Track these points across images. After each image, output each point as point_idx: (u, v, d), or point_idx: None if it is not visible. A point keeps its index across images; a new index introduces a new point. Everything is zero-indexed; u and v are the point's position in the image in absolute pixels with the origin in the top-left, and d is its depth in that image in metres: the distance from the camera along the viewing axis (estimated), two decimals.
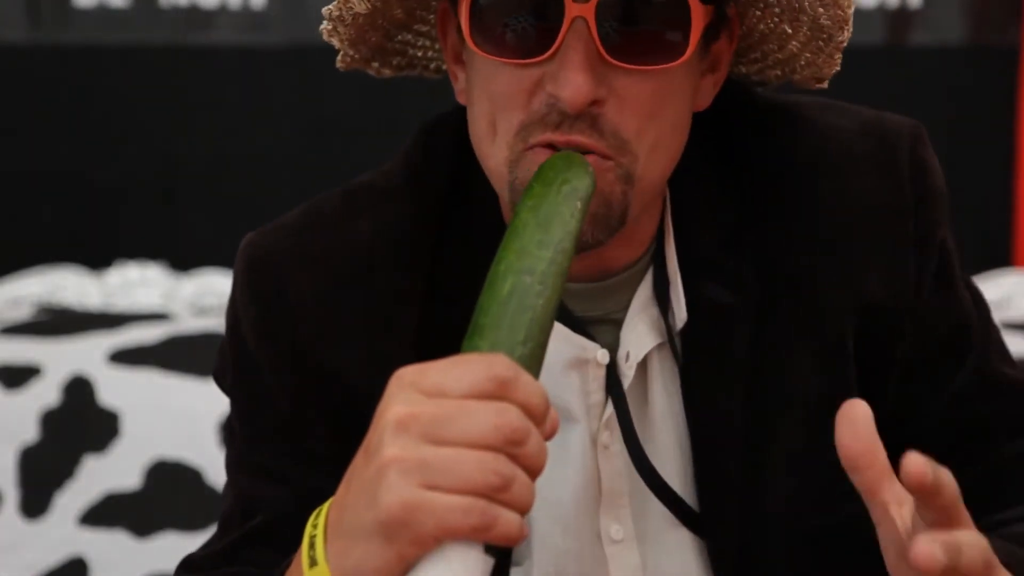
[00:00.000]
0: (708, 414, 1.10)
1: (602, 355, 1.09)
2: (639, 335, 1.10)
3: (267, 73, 2.33)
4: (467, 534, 0.79)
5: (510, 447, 0.79)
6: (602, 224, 1.02)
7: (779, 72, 1.14)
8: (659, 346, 1.11)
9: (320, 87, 2.32)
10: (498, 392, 0.80)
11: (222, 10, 2.33)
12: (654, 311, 1.10)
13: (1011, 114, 2.31)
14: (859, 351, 1.12)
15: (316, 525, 0.86)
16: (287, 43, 2.33)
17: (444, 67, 1.17)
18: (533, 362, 0.85)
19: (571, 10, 0.97)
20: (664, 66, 1.00)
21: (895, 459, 1.14)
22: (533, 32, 0.99)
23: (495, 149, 1.03)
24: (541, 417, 0.81)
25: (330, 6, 1.07)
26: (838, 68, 1.12)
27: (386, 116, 2.27)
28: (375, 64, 1.17)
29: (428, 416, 0.80)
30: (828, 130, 1.13)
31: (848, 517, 1.09)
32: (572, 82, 0.97)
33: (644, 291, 1.11)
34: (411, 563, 0.81)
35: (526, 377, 0.81)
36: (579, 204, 0.94)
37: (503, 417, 0.79)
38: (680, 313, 1.10)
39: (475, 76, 1.05)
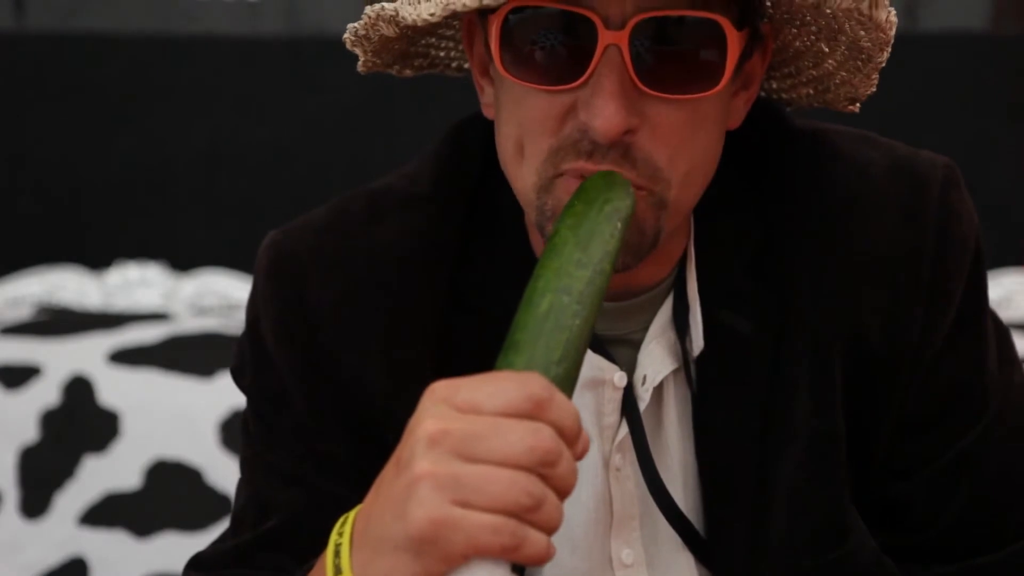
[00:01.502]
0: (719, 444, 1.09)
1: (619, 378, 1.09)
2: (657, 359, 1.09)
3: (263, 67, 2.32)
4: (496, 553, 0.79)
5: (542, 468, 0.79)
6: (634, 250, 1.01)
7: (811, 90, 1.12)
8: (674, 371, 1.10)
9: (318, 81, 2.31)
10: (532, 412, 0.80)
11: (215, 0, 2.33)
12: (672, 335, 1.10)
13: None
14: (849, 396, 1.10)
15: (342, 533, 0.86)
16: (287, 34, 2.33)
17: (467, 66, 1.16)
18: (567, 382, 0.85)
19: (604, 37, 0.95)
20: (698, 95, 0.98)
21: (885, 518, 1.13)
22: (565, 58, 0.97)
23: (522, 172, 1.02)
24: (573, 438, 0.81)
25: (356, 24, 1.05)
26: (874, 89, 1.09)
27: (388, 108, 2.27)
28: (396, 67, 1.15)
29: (461, 432, 0.79)
30: (859, 164, 1.09)
31: (845, 555, 1.10)
32: (604, 111, 0.96)
33: (664, 314, 1.10)
34: None
35: (560, 397, 0.81)
36: (619, 225, 0.94)
37: (537, 438, 0.79)
38: (697, 340, 1.09)
39: (504, 96, 1.03)
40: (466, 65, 1.16)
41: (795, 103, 1.15)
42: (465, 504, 0.79)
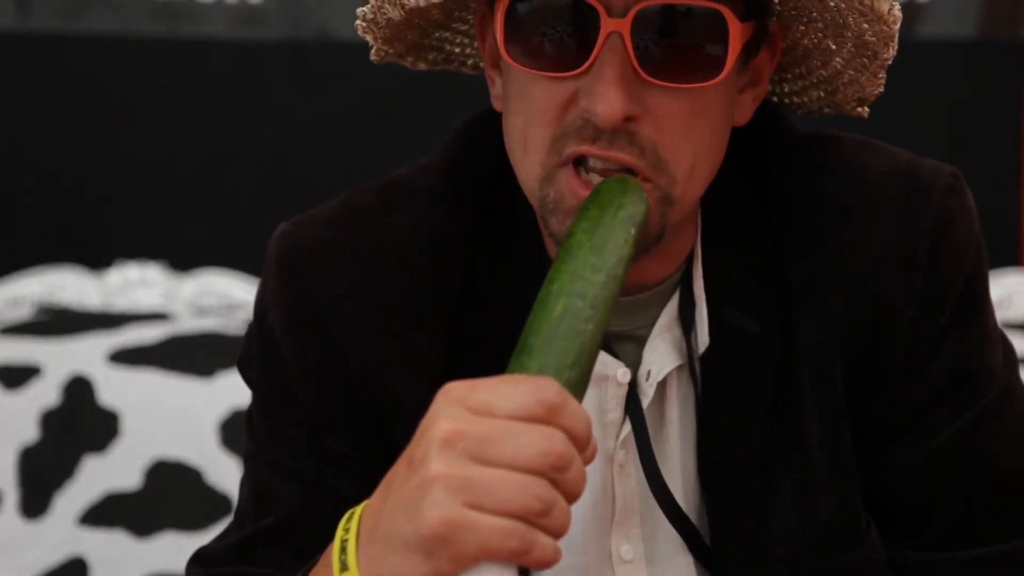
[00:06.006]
0: (722, 444, 1.09)
1: (623, 374, 1.09)
2: (661, 354, 1.09)
3: (265, 70, 2.32)
4: (506, 556, 0.80)
5: (553, 472, 0.80)
6: (639, 245, 1.00)
7: (821, 92, 1.13)
8: (679, 368, 1.10)
9: (320, 84, 2.31)
10: (546, 416, 0.80)
11: (218, 3, 2.32)
12: (677, 331, 1.10)
13: (1018, 110, 2.30)
14: (848, 400, 1.08)
15: (348, 529, 0.87)
16: (285, 38, 2.33)
17: (482, 64, 1.16)
18: (579, 387, 0.86)
19: (607, 25, 0.96)
20: (700, 84, 0.99)
21: (880, 518, 1.11)
22: (568, 46, 0.99)
23: (526, 163, 1.03)
24: (584, 444, 0.82)
25: (364, 8, 1.06)
26: (882, 89, 1.09)
27: (389, 111, 2.27)
28: (410, 59, 1.16)
29: (475, 435, 0.80)
30: (859, 169, 1.09)
31: (853, 564, 1.09)
32: (605, 97, 0.97)
33: (670, 310, 1.10)
34: None
35: (573, 403, 0.82)
36: (633, 231, 0.95)
37: (550, 443, 0.80)
38: (703, 337, 1.09)
39: (511, 87, 1.04)
40: (482, 64, 1.16)
41: (806, 107, 1.16)
42: (477, 507, 0.79)
